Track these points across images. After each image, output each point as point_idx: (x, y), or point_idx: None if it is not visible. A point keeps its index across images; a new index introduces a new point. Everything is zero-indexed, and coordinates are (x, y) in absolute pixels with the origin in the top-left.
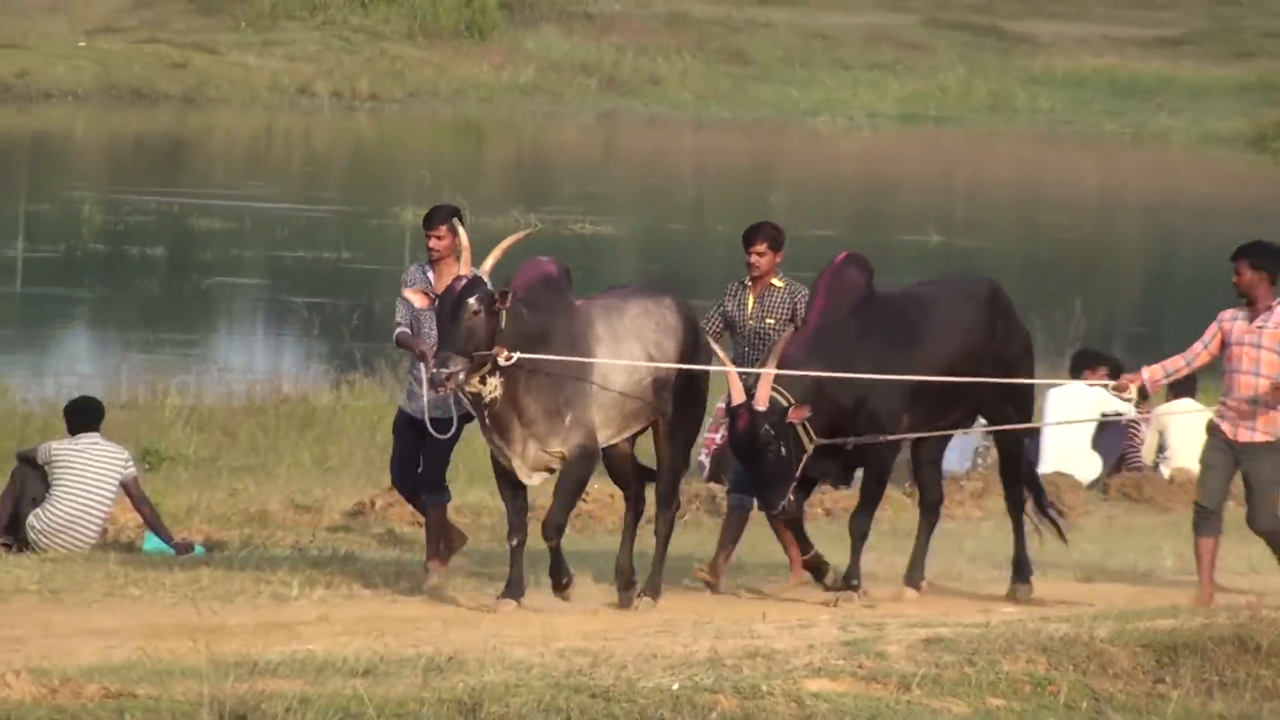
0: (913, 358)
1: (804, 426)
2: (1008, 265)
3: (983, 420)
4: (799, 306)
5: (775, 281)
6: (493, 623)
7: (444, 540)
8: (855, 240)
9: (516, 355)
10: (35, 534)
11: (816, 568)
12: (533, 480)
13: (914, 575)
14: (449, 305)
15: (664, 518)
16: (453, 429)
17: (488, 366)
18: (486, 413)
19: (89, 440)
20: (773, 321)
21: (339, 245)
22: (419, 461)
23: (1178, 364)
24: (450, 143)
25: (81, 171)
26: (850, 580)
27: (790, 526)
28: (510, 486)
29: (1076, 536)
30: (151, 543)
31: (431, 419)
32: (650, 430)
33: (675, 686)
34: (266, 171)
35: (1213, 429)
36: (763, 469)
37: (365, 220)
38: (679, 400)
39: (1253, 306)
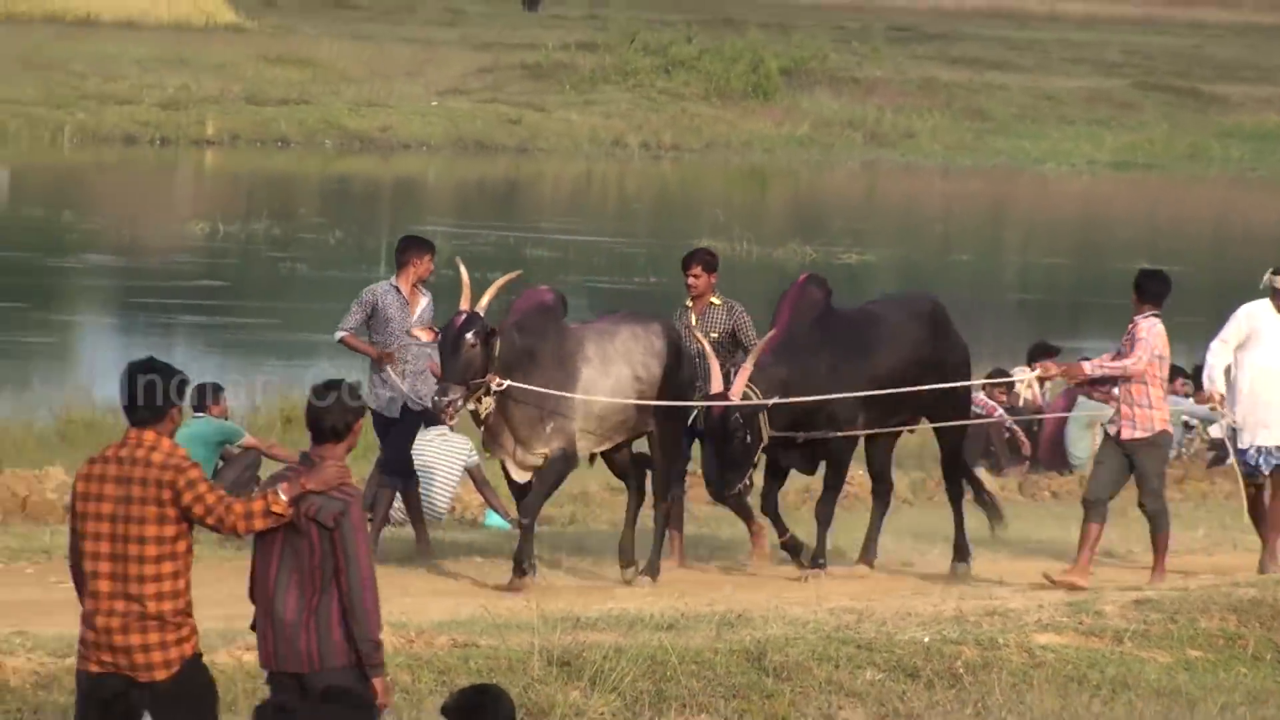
0: (865, 365)
1: (765, 422)
2: (1204, 287)
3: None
4: (738, 321)
5: (713, 300)
6: (775, 586)
7: (420, 528)
8: (1076, 266)
9: (507, 383)
10: (398, 513)
11: (792, 548)
12: (522, 477)
13: (868, 553)
14: (450, 340)
15: (660, 509)
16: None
17: (483, 389)
18: (482, 426)
19: (437, 432)
20: (715, 335)
21: (646, 271)
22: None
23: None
24: (738, 186)
25: (433, 210)
26: (817, 560)
27: (769, 513)
28: (516, 485)
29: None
30: (491, 519)
31: (403, 408)
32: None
33: (926, 639)
34: (586, 210)
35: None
36: (728, 453)
37: (669, 251)
38: (663, 416)
39: None
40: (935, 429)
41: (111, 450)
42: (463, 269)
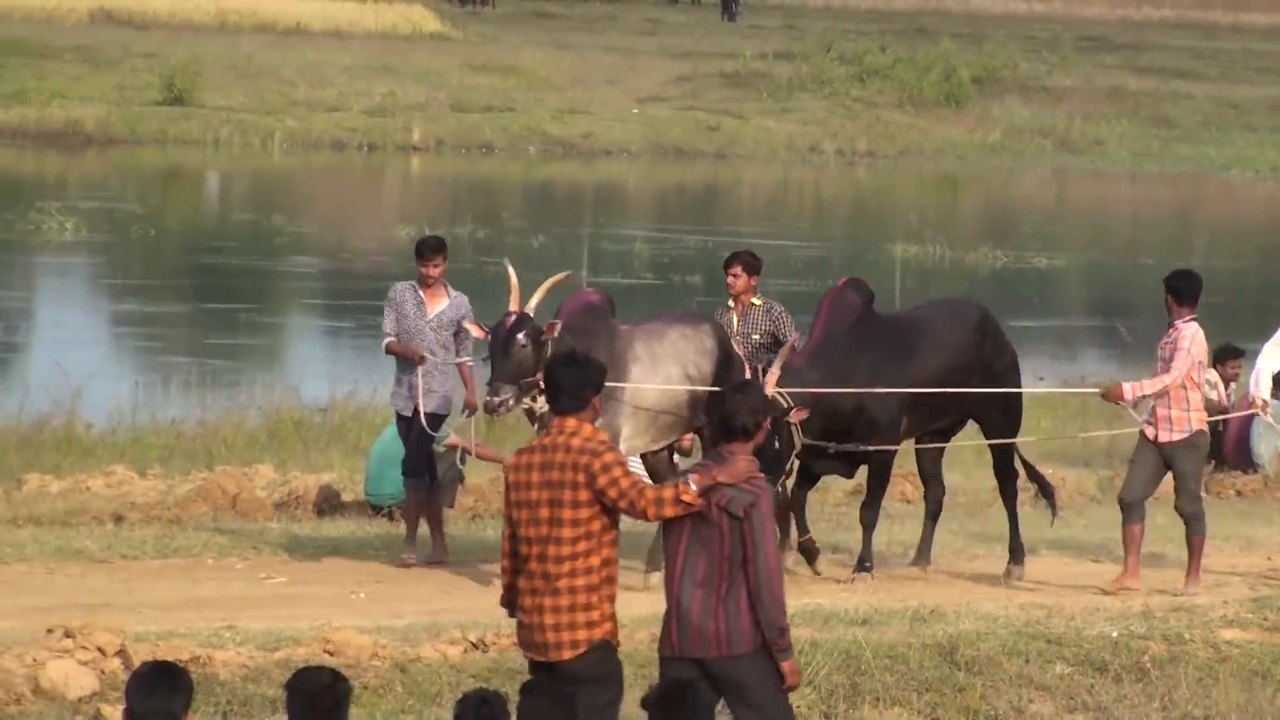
0: (905, 369)
1: (797, 428)
2: None
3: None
4: (779, 323)
5: (754, 301)
6: (966, 582)
7: (435, 537)
8: (1260, 270)
9: None
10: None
11: (808, 550)
12: None
13: (923, 558)
14: (500, 340)
15: None
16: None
17: (536, 389)
18: (538, 424)
19: None
20: (757, 337)
21: (841, 275)
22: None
23: None
24: (931, 192)
25: (633, 214)
26: (864, 563)
27: (793, 509)
28: None
29: None
30: None
31: (427, 414)
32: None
33: (1114, 634)
34: (783, 215)
35: None
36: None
37: (863, 254)
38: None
39: None
40: (985, 432)
41: (538, 440)
42: (511, 271)
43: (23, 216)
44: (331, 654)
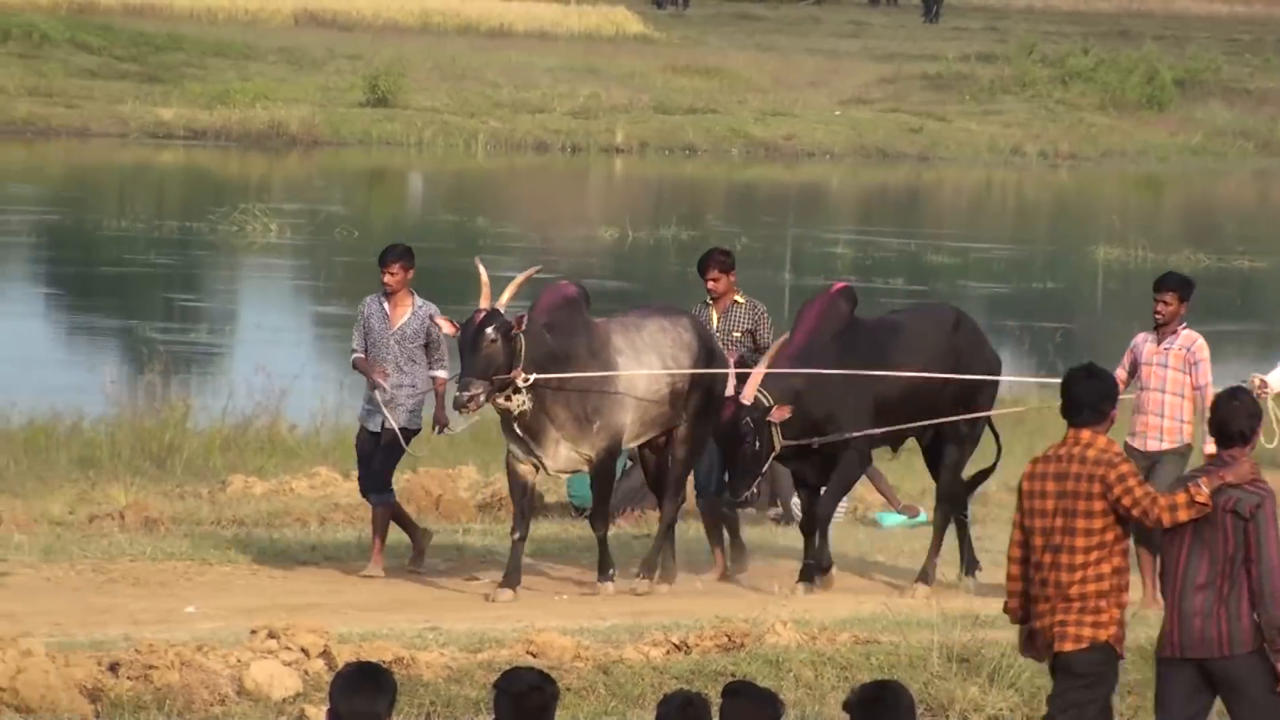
0: (879, 379)
1: (778, 429)
2: None
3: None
4: (759, 321)
5: (737, 299)
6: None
7: (413, 538)
8: None
9: (533, 377)
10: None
11: (811, 571)
12: (566, 466)
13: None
14: (469, 336)
15: (670, 505)
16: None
17: (511, 387)
18: (517, 422)
19: None
20: (738, 334)
21: (1044, 277)
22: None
23: None
24: (1133, 194)
25: (836, 216)
26: (821, 562)
27: (807, 533)
28: (519, 487)
29: None
30: (889, 519)
31: (401, 429)
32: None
33: None
34: (985, 218)
35: None
36: (737, 458)
37: (1064, 257)
38: (696, 408)
39: None
40: (946, 438)
41: (1053, 450)
42: (481, 268)
43: (226, 218)
44: (534, 655)
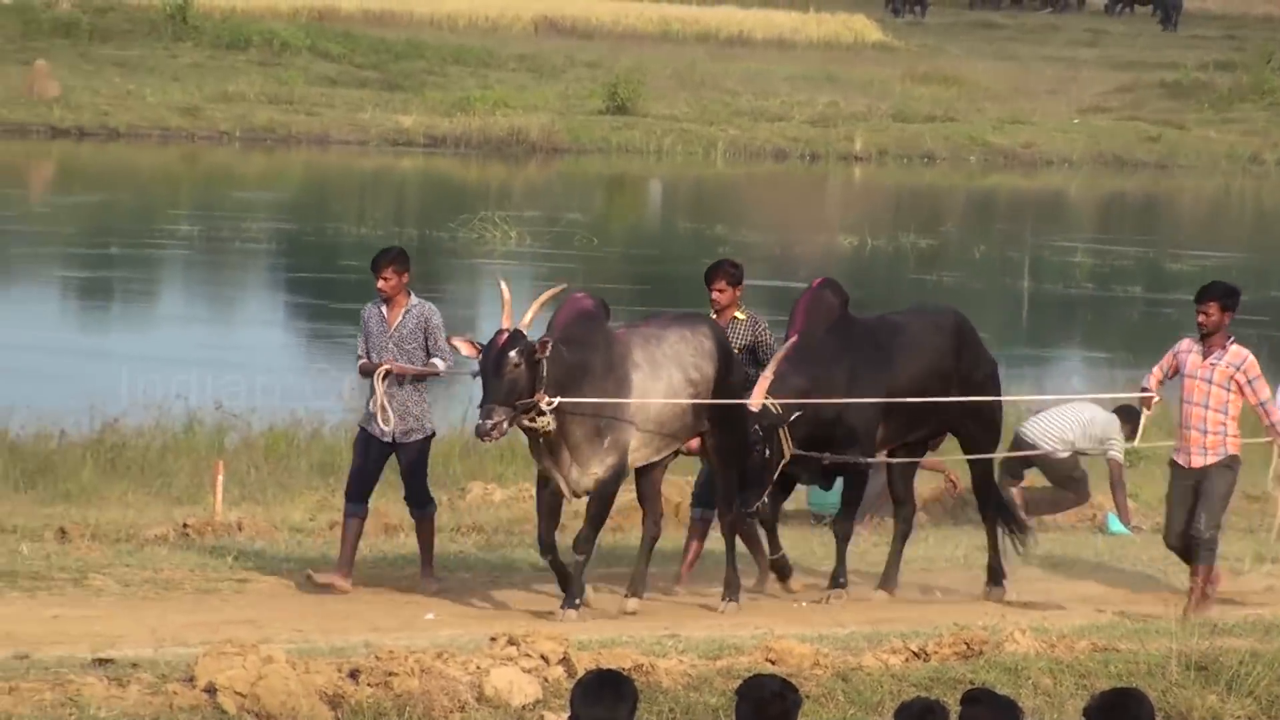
0: (884, 375)
1: (787, 437)
2: None
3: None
4: (760, 337)
5: (738, 314)
6: None
7: (424, 557)
8: None
9: (558, 400)
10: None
11: (781, 569)
12: (574, 499)
13: (889, 581)
14: (492, 360)
15: (727, 521)
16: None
17: (535, 409)
18: (542, 440)
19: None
20: (738, 350)
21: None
22: (375, 475)
23: None
24: None
25: (1073, 225)
26: (838, 579)
27: (766, 526)
28: (547, 507)
29: None
30: (1115, 525)
31: (401, 443)
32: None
33: None
34: (1223, 226)
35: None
36: (747, 468)
37: None
38: (720, 419)
39: None
40: (962, 445)
41: None
42: (503, 286)
43: (466, 225)
44: (773, 662)
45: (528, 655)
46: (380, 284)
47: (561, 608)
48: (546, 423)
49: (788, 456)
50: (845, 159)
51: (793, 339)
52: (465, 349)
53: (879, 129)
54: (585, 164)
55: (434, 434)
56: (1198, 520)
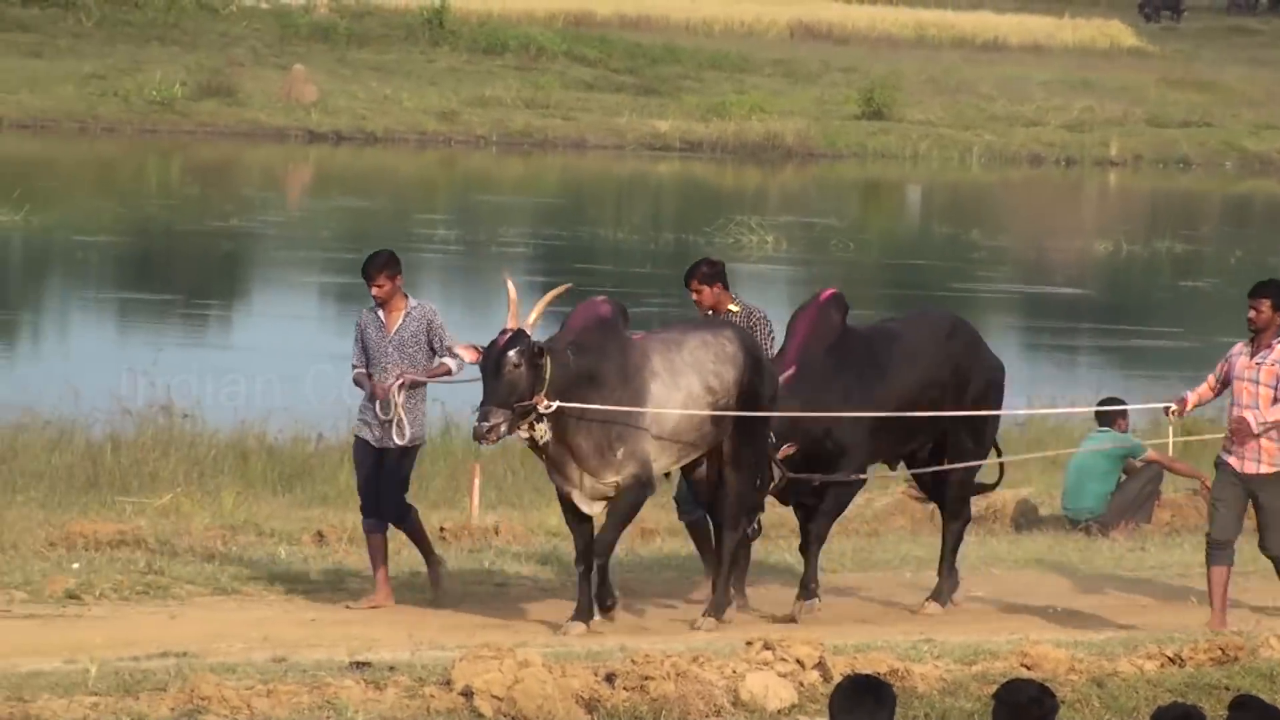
0: (876, 392)
1: (780, 462)
2: None
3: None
4: (757, 330)
5: (731, 307)
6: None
7: (430, 566)
8: None
9: (555, 404)
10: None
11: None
12: (594, 510)
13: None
14: (492, 360)
15: (730, 538)
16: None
17: (534, 415)
18: (543, 454)
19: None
20: None
21: None
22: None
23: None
24: None
25: None
26: (808, 586)
27: (804, 552)
28: (575, 516)
29: None
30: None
31: (399, 449)
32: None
33: None
34: None
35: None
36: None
37: None
38: (740, 428)
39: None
40: (951, 456)
41: None
42: (510, 285)
43: (722, 230)
44: (1029, 668)
45: (783, 659)
46: (374, 291)
47: (570, 620)
48: (543, 432)
49: (781, 480)
50: (1100, 164)
51: (790, 370)
52: (468, 354)
53: (1134, 134)
54: (840, 169)
55: (423, 443)
56: (1269, 542)
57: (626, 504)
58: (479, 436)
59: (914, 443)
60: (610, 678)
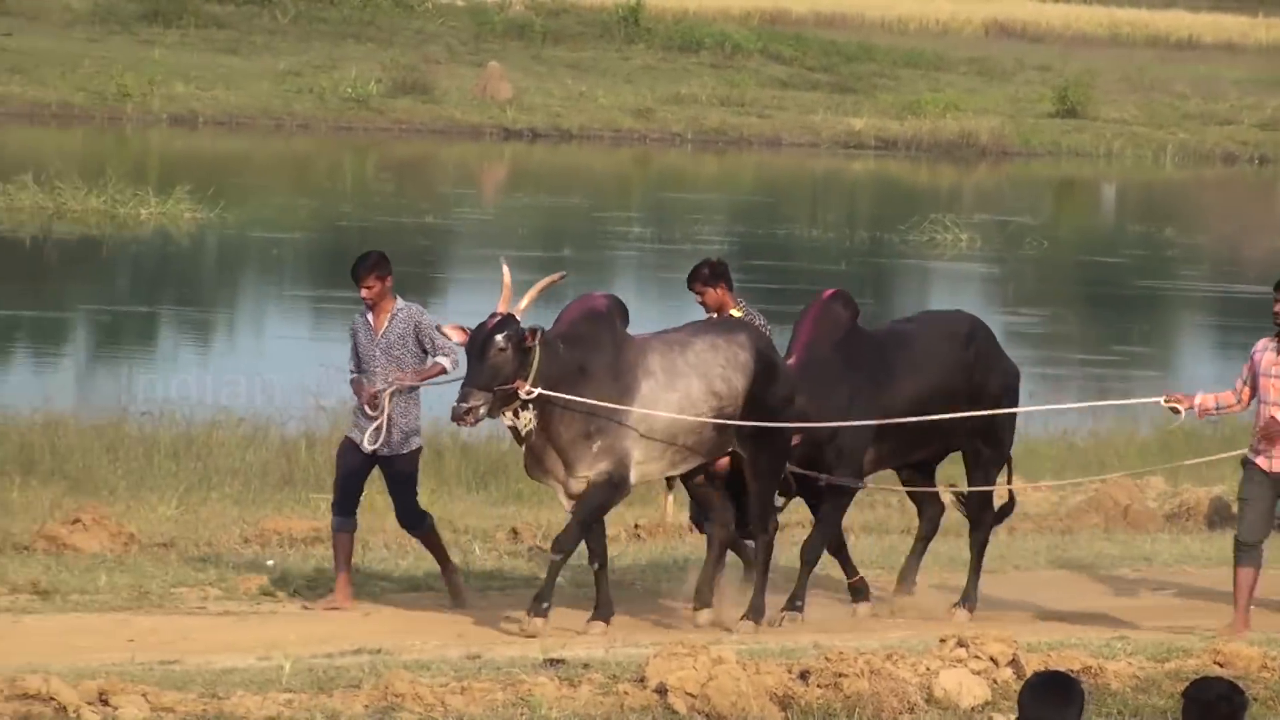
0: (883, 396)
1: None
2: None
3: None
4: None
5: (734, 312)
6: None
7: (445, 572)
8: None
9: (537, 391)
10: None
11: (861, 590)
12: (561, 495)
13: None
14: (478, 343)
15: (761, 542)
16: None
17: (518, 402)
18: (525, 446)
19: None
20: None
21: None
22: (360, 484)
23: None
24: None
25: None
26: (795, 601)
27: (834, 553)
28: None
29: None
30: None
31: (394, 455)
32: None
33: None
34: None
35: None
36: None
37: None
38: (755, 435)
39: None
40: (965, 463)
41: None
42: (505, 270)
43: (917, 228)
44: (1221, 665)
45: (977, 657)
46: (364, 293)
47: (590, 620)
48: (528, 420)
49: (787, 481)
50: None
51: (791, 360)
52: (456, 335)
53: None
54: (1034, 167)
55: (420, 449)
56: None
57: (594, 500)
58: (456, 418)
59: (925, 450)
60: (804, 675)
